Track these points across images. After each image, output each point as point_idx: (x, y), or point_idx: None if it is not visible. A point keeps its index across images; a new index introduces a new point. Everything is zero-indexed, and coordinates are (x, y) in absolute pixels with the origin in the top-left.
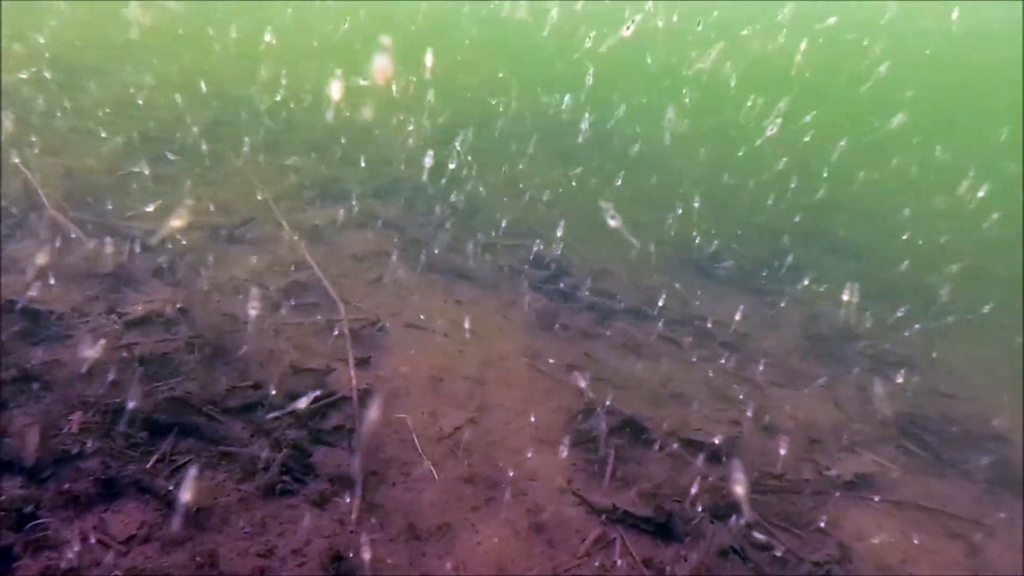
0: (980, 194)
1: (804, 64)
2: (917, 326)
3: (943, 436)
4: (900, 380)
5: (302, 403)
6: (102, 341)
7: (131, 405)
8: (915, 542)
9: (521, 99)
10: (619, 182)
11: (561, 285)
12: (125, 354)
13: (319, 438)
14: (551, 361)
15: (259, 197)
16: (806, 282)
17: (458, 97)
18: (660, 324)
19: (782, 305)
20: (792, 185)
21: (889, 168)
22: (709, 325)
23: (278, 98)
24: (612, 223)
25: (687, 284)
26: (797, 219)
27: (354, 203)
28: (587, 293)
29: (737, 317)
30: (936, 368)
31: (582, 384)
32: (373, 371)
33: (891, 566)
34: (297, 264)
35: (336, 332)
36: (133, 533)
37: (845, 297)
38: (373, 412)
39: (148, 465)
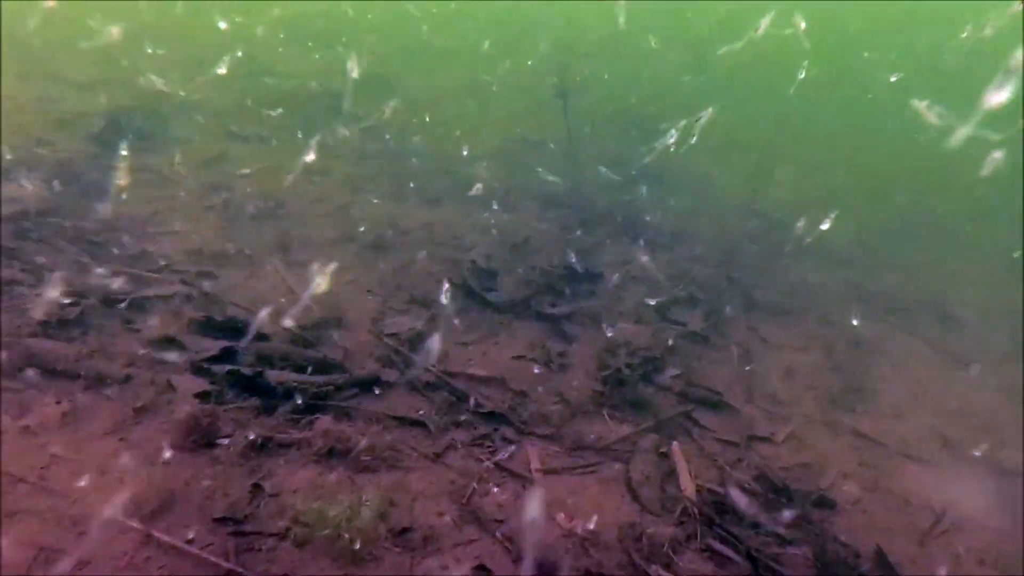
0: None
1: None
2: (733, 345)
3: (757, 519)
4: (710, 428)
5: None
6: None
7: None
8: None
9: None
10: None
11: (234, 362)
12: None
13: None
14: (183, 527)
15: None
16: (605, 294)
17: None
18: (391, 397)
19: (572, 333)
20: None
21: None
22: (465, 386)
23: None
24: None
25: (441, 319)
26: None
27: None
28: (275, 368)
29: (507, 365)
30: (752, 396)
31: (228, 561)
32: None
33: None
34: None
35: None
36: None
37: (648, 309)
38: None
39: None
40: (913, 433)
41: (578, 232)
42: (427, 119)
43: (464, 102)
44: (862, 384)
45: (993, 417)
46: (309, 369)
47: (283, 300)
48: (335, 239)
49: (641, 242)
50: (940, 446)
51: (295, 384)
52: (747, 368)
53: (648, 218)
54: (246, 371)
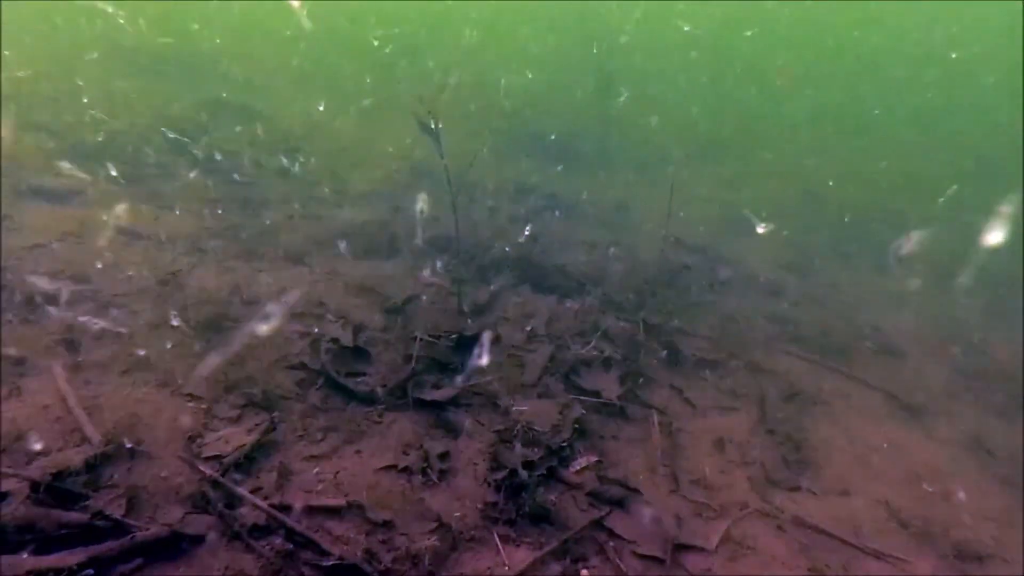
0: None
1: None
2: (654, 415)
3: None
4: (628, 538)
5: None
6: None
7: None
8: None
9: None
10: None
11: None
12: None
13: None
14: None
15: None
16: (501, 364)
17: None
18: (197, 559)
19: (458, 423)
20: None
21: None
22: (308, 524)
23: None
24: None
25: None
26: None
27: None
28: (6, 548)
29: (370, 483)
30: (678, 484)
31: None
32: None
33: None
34: None
35: None
36: None
37: (554, 378)
38: None
39: None
40: (865, 515)
41: (470, 283)
42: (289, 152)
43: (334, 132)
44: (802, 450)
45: (947, 480)
46: (66, 538)
47: (51, 428)
48: (150, 324)
49: (545, 290)
50: (896, 528)
51: (33, 571)
52: (670, 444)
53: (554, 259)
54: None
